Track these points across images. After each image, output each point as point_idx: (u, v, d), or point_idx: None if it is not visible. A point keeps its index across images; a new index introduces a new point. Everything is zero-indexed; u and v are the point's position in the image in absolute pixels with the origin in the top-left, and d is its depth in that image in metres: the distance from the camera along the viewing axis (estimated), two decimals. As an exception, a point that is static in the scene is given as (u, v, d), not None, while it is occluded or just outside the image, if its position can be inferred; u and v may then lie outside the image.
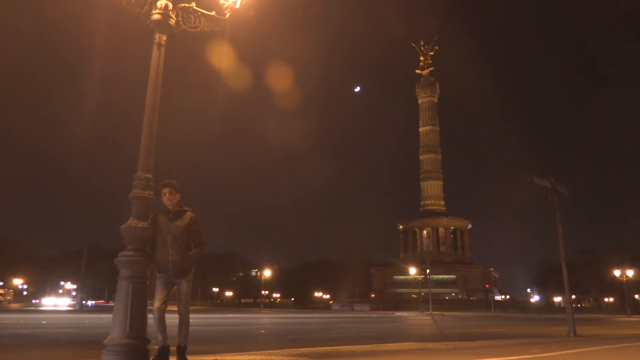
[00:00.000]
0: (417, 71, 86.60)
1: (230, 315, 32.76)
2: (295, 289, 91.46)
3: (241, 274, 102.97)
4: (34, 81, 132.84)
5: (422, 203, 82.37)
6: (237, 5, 6.07)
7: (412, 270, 59.62)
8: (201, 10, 5.92)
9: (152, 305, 5.03)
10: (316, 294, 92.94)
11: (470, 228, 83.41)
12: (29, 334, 11.76)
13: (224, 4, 6.03)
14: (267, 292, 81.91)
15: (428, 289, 50.89)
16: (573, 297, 54.54)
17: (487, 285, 70.29)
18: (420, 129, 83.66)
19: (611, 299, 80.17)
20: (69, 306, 53.38)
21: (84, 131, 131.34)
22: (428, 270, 54.27)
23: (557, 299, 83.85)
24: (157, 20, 5.58)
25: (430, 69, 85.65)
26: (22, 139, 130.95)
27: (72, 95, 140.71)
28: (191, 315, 5.29)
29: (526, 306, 74.39)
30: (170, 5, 5.63)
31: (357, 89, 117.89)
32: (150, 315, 4.97)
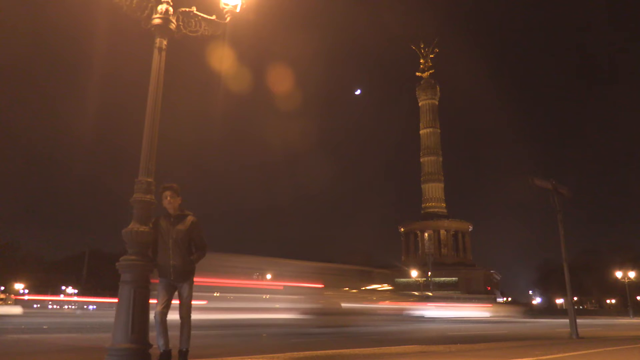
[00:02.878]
0: (417, 74, 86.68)
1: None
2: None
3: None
4: (35, 83, 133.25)
5: (423, 205, 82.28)
6: (238, 10, 6.09)
7: (414, 273, 59.53)
8: (202, 15, 5.94)
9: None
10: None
11: (472, 230, 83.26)
12: (30, 338, 11.75)
13: (225, 8, 6.05)
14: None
15: (430, 292, 50.83)
16: (575, 298, 54.45)
17: (489, 288, 70.19)
18: (420, 132, 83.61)
19: (613, 301, 79.96)
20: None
21: (86, 134, 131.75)
22: (430, 273, 54.22)
23: (559, 301, 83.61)
24: (157, 25, 5.60)
25: (431, 71, 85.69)
26: (23, 141, 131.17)
27: (74, 97, 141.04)
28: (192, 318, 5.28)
29: (528, 308, 74.20)
30: (171, 9, 5.65)
31: (358, 92, 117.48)
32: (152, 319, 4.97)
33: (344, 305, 16.05)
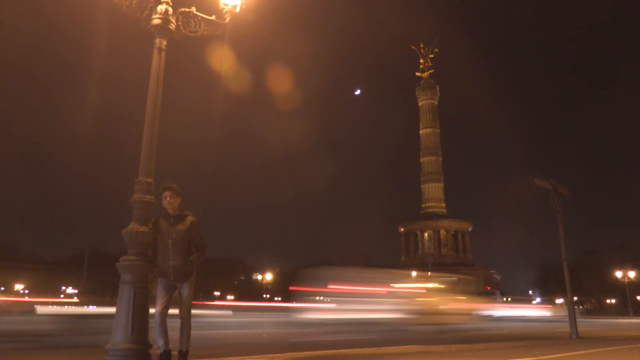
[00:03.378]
0: (417, 74, 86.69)
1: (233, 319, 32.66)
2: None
3: (242, 278, 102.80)
4: (34, 83, 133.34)
5: (423, 205, 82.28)
6: (237, 10, 6.09)
7: (414, 273, 59.51)
8: (201, 15, 5.94)
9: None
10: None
11: (472, 230, 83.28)
12: (30, 339, 11.74)
13: (224, 8, 6.05)
14: (268, 296, 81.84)
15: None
16: (575, 298, 54.47)
17: (489, 288, 70.11)
18: (420, 132, 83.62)
19: (613, 301, 79.92)
20: None
21: (86, 134, 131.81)
22: (430, 273, 54.19)
23: (559, 301, 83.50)
24: (157, 25, 5.60)
25: (431, 71, 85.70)
26: (23, 142, 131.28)
27: (74, 97, 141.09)
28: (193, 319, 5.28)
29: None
30: (171, 10, 5.65)
31: (358, 92, 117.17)
32: (151, 320, 4.97)
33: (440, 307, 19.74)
